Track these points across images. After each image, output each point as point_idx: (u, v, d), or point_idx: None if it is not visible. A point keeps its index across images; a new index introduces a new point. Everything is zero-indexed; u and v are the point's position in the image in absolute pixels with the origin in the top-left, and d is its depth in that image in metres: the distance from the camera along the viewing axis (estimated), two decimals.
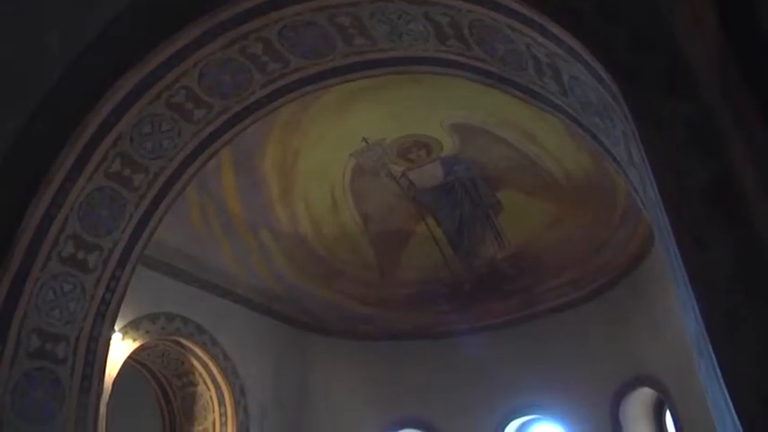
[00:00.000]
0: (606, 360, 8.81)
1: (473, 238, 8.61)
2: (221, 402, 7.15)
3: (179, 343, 6.81)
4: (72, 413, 4.72)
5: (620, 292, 8.70)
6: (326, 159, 7.47)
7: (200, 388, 7.20)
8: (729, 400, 1.65)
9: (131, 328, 6.07)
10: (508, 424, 9.75)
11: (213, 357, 7.03)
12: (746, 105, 1.99)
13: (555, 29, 2.78)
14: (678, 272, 2.03)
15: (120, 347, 5.88)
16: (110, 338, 5.20)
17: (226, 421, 7.11)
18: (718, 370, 1.71)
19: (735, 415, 1.65)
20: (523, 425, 10.12)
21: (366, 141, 7.45)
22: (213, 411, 7.15)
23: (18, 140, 4.64)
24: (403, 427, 9.75)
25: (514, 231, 8.63)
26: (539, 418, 9.89)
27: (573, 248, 8.45)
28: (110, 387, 5.49)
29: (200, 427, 7.22)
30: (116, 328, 5.41)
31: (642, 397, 8.73)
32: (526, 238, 8.63)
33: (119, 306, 5.27)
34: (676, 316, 6.66)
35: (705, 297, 1.75)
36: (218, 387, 7.15)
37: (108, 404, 5.31)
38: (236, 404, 7.20)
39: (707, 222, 1.79)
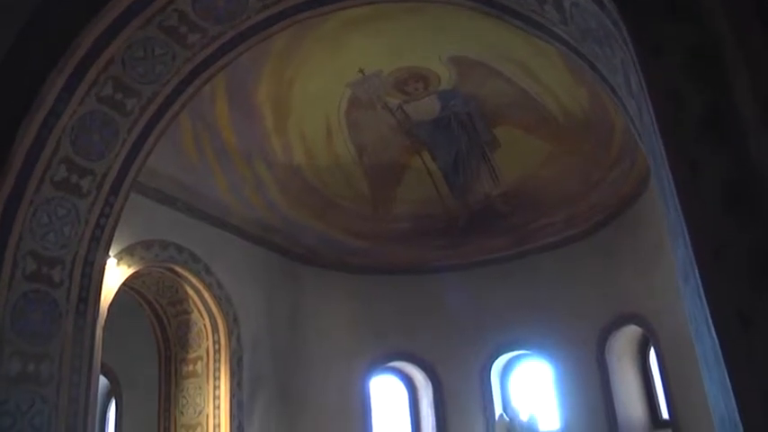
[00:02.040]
0: (595, 298, 8.97)
1: (468, 175, 8.60)
2: (215, 330, 7.28)
3: (173, 271, 6.86)
4: (69, 335, 4.81)
5: (611, 231, 8.79)
6: (322, 90, 7.37)
7: (195, 316, 7.31)
8: (710, 319, 1.69)
9: (126, 254, 6.11)
10: (496, 359, 10.00)
11: (207, 286, 7.11)
12: (752, 31, 1.96)
13: None
14: (670, 198, 2.04)
15: (115, 273, 5.93)
16: (105, 263, 5.26)
17: (219, 349, 7.25)
18: (701, 290, 1.74)
19: (714, 333, 1.69)
20: (511, 360, 10.38)
21: (362, 72, 7.34)
22: (207, 339, 7.29)
23: (6, 62, 4.55)
24: (392, 359, 9.99)
25: (510, 168, 8.62)
26: (526, 354, 10.14)
27: (567, 187, 8.47)
28: (105, 312, 5.57)
29: (195, 355, 7.38)
30: (111, 253, 5.45)
31: (628, 335, 8.94)
32: (521, 175, 8.63)
33: (113, 231, 5.30)
34: (665, 257, 6.76)
35: (695, 220, 1.78)
36: (211, 315, 7.26)
37: (104, 329, 5.39)
38: (230, 333, 7.33)
39: (701, 146, 1.79)
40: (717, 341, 1.70)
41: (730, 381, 1.67)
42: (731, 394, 1.75)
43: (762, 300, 1.62)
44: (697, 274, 1.78)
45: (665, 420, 8.31)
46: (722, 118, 1.91)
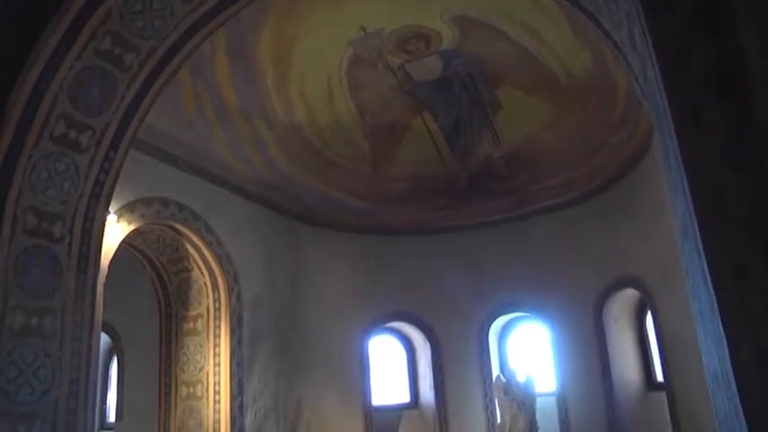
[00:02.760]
0: (593, 261, 9.01)
1: (469, 136, 8.56)
2: (215, 288, 7.32)
3: (174, 228, 6.88)
4: (70, 290, 4.85)
5: (611, 195, 8.78)
6: (323, 48, 7.27)
7: (195, 274, 7.35)
8: (707, 270, 1.70)
9: (126, 211, 6.11)
10: (494, 321, 10.10)
11: (207, 244, 7.13)
12: None
13: None
14: (671, 152, 2.03)
15: (116, 230, 5.94)
16: (105, 219, 5.27)
17: (219, 307, 7.31)
18: (699, 242, 1.75)
19: (710, 285, 1.70)
20: (509, 322, 10.48)
21: (364, 30, 7.24)
22: (207, 297, 7.34)
23: (2, 15, 4.48)
24: (391, 320, 10.09)
25: (511, 130, 8.57)
26: (524, 316, 10.23)
27: (569, 150, 8.43)
28: (106, 268, 5.60)
29: (195, 312, 7.44)
30: (111, 210, 5.45)
31: (625, 298, 9.00)
32: (523, 137, 8.58)
33: (113, 188, 5.30)
34: (665, 223, 6.77)
35: (695, 168, 1.77)
36: (212, 273, 7.30)
37: (105, 286, 5.42)
38: (230, 291, 7.38)
39: (703, 95, 1.77)
40: (713, 293, 1.70)
41: (724, 333, 1.68)
42: (725, 347, 1.76)
43: (759, 248, 1.63)
44: (695, 226, 1.77)
45: (660, 383, 8.43)
46: (727, 69, 1.88)
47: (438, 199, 9.09)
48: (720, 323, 1.70)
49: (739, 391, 1.63)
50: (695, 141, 1.78)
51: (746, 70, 1.85)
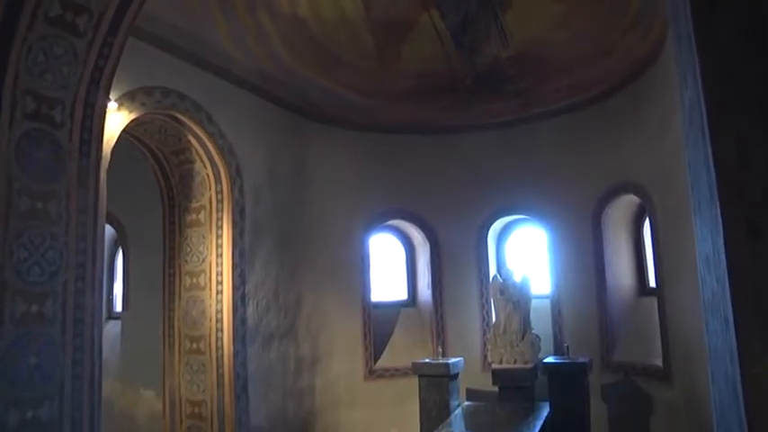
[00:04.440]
0: (595, 167, 9.01)
1: (477, 35, 8.30)
2: (218, 180, 7.35)
3: (176, 119, 6.81)
4: (74, 176, 4.89)
5: (618, 101, 8.66)
6: None
7: (198, 165, 7.36)
8: (710, 151, 1.70)
9: (126, 99, 6.04)
10: (494, 222, 10.21)
11: (209, 135, 7.09)
12: None
13: None
14: (684, 32, 1.99)
15: (116, 118, 5.90)
16: (105, 106, 5.23)
17: (222, 199, 7.37)
18: (705, 124, 1.74)
19: (712, 168, 1.71)
20: (508, 224, 10.60)
21: None
22: (210, 189, 7.38)
23: None
24: (391, 217, 10.20)
25: (520, 30, 8.30)
26: (524, 219, 10.34)
27: (578, 52, 8.22)
28: (108, 155, 5.60)
29: (198, 204, 7.50)
30: (111, 98, 5.39)
31: (625, 204, 9.06)
32: (532, 38, 8.34)
33: (112, 74, 5.22)
34: (670, 131, 6.72)
35: (708, 52, 1.74)
36: (214, 165, 7.31)
37: (108, 178, 5.44)
38: (232, 183, 7.40)
39: None
40: (714, 175, 1.71)
41: (721, 212, 1.70)
42: (720, 228, 1.78)
43: (764, 130, 1.63)
44: (703, 109, 1.76)
45: (652, 288, 8.64)
46: None
47: (442, 98, 8.96)
48: (718, 204, 1.72)
49: (729, 268, 1.67)
50: (710, 21, 1.74)
51: None
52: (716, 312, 1.96)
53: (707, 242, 2.10)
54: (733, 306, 1.65)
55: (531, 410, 8.00)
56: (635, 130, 8.21)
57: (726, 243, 1.68)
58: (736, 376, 1.66)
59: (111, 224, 9.16)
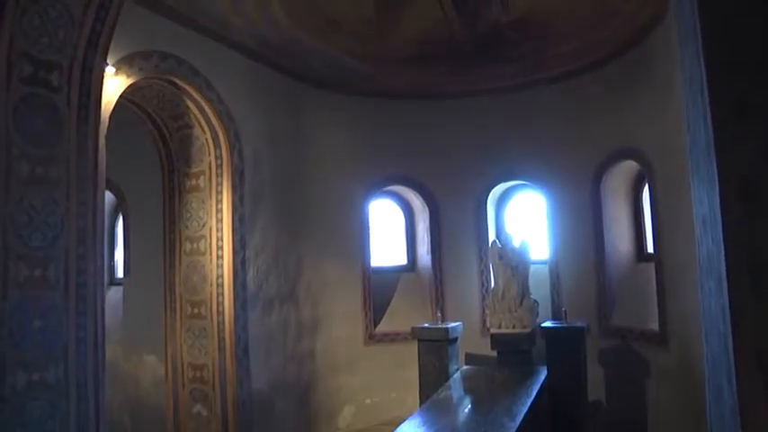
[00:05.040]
0: (596, 133, 8.99)
1: None
2: (217, 146, 7.33)
3: (174, 84, 6.77)
4: (73, 140, 4.87)
5: (620, 66, 8.60)
6: None
7: (196, 131, 7.33)
8: (708, 106, 1.71)
9: (124, 63, 5.99)
10: (493, 188, 10.23)
11: (208, 100, 7.05)
12: None
13: None
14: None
15: (114, 83, 5.86)
16: (103, 70, 5.18)
17: (221, 164, 7.36)
18: (705, 85, 1.74)
19: (710, 122, 1.71)
20: (508, 190, 10.62)
21: None
22: (209, 154, 7.37)
23: None
24: (391, 183, 10.21)
25: None
26: (523, 185, 10.35)
27: (581, 16, 8.10)
28: (107, 120, 5.58)
29: (197, 169, 7.50)
30: (109, 62, 5.35)
31: (624, 170, 9.06)
32: (533, 2, 8.21)
33: (109, 38, 5.16)
34: (673, 98, 6.68)
35: (707, 10, 1.74)
36: (213, 130, 7.28)
37: (107, 145, 5.43)
38: (231, 148, 7.39)
39: None
40: (711, 133, 1.72)
41: (717, 170, 1.71)
42: (716, 186, 1.80)
43: (762, 88, 1.63)
44: (703, 68, 1.76)
45: (649, 254, 8.69)
46: None
47: (442, 64, 8.88)
48: (715, 162, 1.73)
49: (723, 225, 1.69)
50: None
51: None
52: (711, 272, 1.99)
53: (704, 203, 2.12)
54: (726, 263, 1.68)
55: (529, 374, 8.11)
56: (636, 97, 8.17)
57: (721, 200, 1.70)
58: (727, 333, 1.69)
59: (110, 191, 9.17)
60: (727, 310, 1.67)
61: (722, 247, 1.70)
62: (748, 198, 1.67)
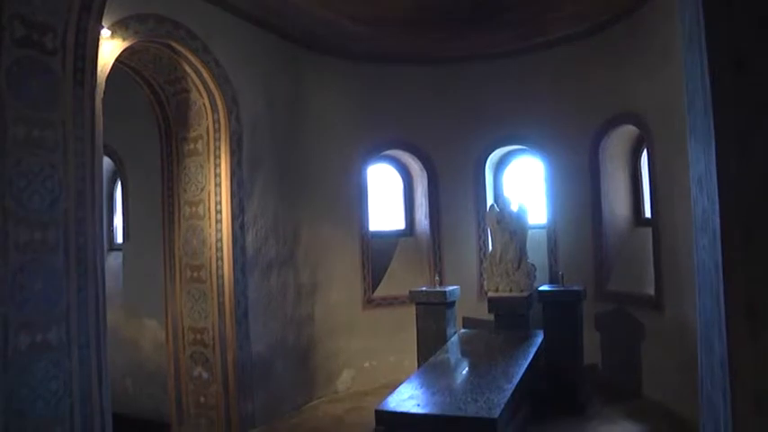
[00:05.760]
0: (596, 97, 8.95)
1: None
2: (214, 110, 7.28)
3: (171, 47, 6.70)
4: (69, 104, 4.83)
5: (620, 30, 8.52)
6: None
7: (194, 95, 7.28)
8: (707, 67, 1.71)
9: (119, 27, 5.91)
10: (491, 153, 10.21)
11: (205, 64, 6.98)
12: None
13: None
14: None
15: (110, 46, 5.80)
16: (98, 33, 5.12)
17: (219, 128, 7.32)
18: (703, 40, 1.74)
19: (708, 80, 1.71)
20: (506, 155, 10.60)
21: None
22: (207, 118, 7.33)
23: None
24: (389, 147, 10.18)
25: None
26: (522, 149, 10.33)
27: None
28: (103, 84, 5.54)
29: (195, 134, 7.46)
30: (104, 25, 5.28)
31: (623, 135, 9.04)
32: None
33: (104, 0, 5.09)
34: (672, 62, 6.63)
35: None
36: (210, 94, 7.23)
37: (104, 109, 5.40)
38: (229, 112, 7.34)
39: None
40: (709, 89, 1.72)
41: (714, 127, 1.72)
42: (713, 146, 1.81)
43: (761, 41, 1.63)
44: (702, 24, 1.75)
45: (647, 219, 8.73)
46: None
47: (441, 28, 8.78)
48: (712, 119, 1.74)
49: (718, 180, 1.70)
50: None
51: None
52: (705, 228, 2.01)
53: (700, 162, 2.13)
54: (720, 218, 1.70)
55: (526, 338, 8.22)
56: (636, 61, 8.12)
57: (717, 157, 1.71)
58: (719, 287, 1.72)
59: (109, 157, 9.15)
60: (720, 265, 1.69)
61: (716, 201, 1.72)
62: (742, 151, 1.68)
